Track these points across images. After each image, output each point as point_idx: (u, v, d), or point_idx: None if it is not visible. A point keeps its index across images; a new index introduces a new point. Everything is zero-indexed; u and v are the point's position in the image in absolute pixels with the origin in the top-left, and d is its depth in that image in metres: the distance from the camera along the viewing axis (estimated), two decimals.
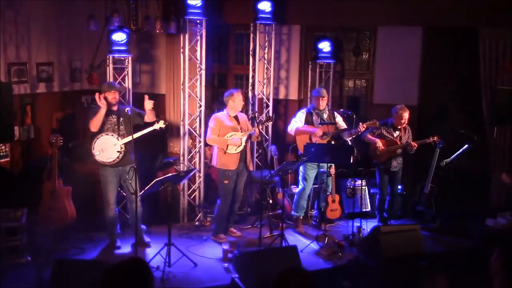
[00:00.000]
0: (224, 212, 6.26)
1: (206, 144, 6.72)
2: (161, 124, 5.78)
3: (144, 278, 2.44)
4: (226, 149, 6.03)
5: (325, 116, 6.56)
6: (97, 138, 5.66)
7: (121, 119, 5.78)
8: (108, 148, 5.61)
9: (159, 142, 7.35)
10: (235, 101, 6.10)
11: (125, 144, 5.70)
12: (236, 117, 6.19)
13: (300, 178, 6.67)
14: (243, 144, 6.06)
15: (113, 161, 5.65)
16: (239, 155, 6.10)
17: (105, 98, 5.70)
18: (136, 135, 5.66)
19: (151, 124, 5.82)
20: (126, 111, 5.71)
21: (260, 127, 6.19)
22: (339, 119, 6.61)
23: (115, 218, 5.96)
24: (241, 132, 6.08)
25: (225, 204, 6.21)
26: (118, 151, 5.64)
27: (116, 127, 5.75)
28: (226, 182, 6.11)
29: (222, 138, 6.04)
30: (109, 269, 2.42)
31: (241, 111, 6.31)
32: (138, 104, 6.57)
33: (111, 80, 6.37)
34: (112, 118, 5.76)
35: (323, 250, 6.02)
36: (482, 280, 2.92)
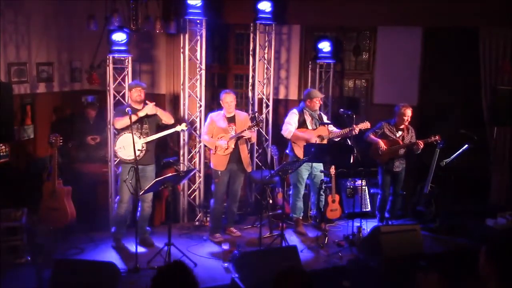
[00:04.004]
0: (217, 211, 6.27)
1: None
2: (183, 127, 5.94)
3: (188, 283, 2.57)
4: (216, 150, 6.07)
5: (316, 116, 6.53)
6: (120, 135, 5.71)
7: (145, 118, 5.80)
8: (129, 145, 5.57)
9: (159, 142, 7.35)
10: (223, 102, 6.11)
11: (147, 143, 5.74)
12: (233, 118, 6.16)
13: (292, 179, 6.57)
14: (232, 146, 6.03)
15: (133, 158, 5.62)
16: (229, 157, 6.08)
17: (130, 96, 5.83)
18: (158, 135, 5.82)
19: (173, 125, 5.91)
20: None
21: (249, 132, 6.07)
22: (325, 119, 6.59)
23: (125, 217, 5.95)
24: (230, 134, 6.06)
25: (217, 203, 6.23)
26: (138, 150, 5.63)
27: (139, 125, 5.76)
28: (217, 181, 6.16)
29: (212, 139, 6.09)
30: (155, 276, 2.59)
31: (241, 110, 6.27)
32: None
33: (111, 80, 6.37)
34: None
35: (323, 250, 6.02)
36: (481, 281, 2.92)
